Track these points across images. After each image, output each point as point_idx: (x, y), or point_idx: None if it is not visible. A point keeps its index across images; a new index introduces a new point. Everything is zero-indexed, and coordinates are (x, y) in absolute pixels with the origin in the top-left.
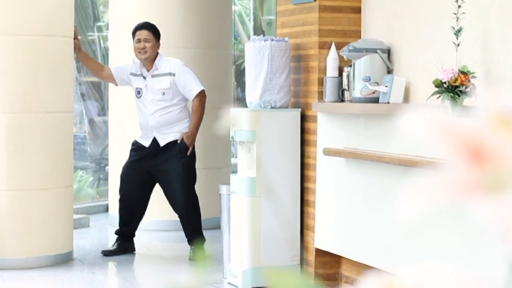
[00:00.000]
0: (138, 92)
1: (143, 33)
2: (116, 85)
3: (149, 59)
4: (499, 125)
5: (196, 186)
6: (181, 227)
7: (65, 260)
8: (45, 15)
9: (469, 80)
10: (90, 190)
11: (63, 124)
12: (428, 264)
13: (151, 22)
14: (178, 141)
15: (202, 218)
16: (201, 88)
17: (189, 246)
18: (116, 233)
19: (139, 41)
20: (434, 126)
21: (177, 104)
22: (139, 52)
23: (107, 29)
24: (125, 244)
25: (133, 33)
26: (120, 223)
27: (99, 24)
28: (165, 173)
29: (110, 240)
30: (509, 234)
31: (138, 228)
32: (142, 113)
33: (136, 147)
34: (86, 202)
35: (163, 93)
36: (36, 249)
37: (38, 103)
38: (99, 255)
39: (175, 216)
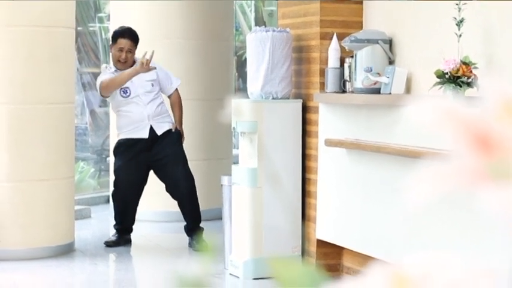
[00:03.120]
0: (125, 92)
1: (127, 43)
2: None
3: (127, 67)
4: (505, 113)
5: (197, 177)
6: (181, 217)
7: (66, 251)
8: (47, 6)
9: (470, 71)
10: (92, 181)
11: (65, 115)
12: (434, 253)
13: (133, 29)
14: (173, 130)
15: (203, 209)
16: (179, 82)
17: (188, 236)
18: (115, 228)
19: (121, 50)
20: (441, 114)
21: (160, 97)
22: (119, 61)
23: (108, 20)
24: (125, 236)
25: (115, 39)
26: (119, 221)
27: (100, 15)
28: (167, 158)
29: (111, 231)
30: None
31: (139, 219)
32: (135, 107)
33: (127, 145)
34: (87, 193)
35: (152, 85)
36: (37, 240)
37: (39, 94)
38: (100, 246)
39: (175, 207)
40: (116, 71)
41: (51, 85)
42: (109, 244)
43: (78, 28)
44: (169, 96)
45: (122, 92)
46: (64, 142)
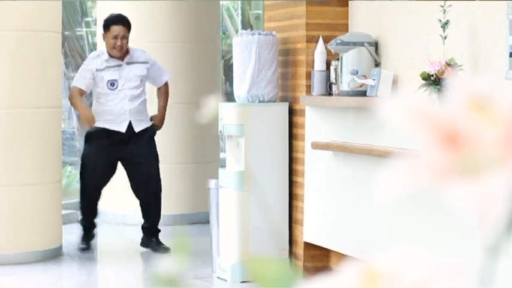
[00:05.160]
0: (112, 84)
1: (120, 30)
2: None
3: (123, 53)
4: (473, 109)
5: (184, 181)
6: (167, 221)
7: (54, 255)
8: (33, 10)
9: (456, 73)
10: (79, 185)
11: (52, 119)
12: (403, 248)
13: (124, 14)
14: (151, 123)
15: (191, 212)
16: (169, 74)
17: (147, 238)
18: (83, 224)
19: (115, 37)
20: (409, 111)
21: (144, 94)
22: (115, 48)
23: (95, 24)
24: (92, 233)
25: (108, 26)
26: (88, 216)
27: (87, 19)
28: (141, 157)
29: (99, 235)
30: (484, 218)
31: (125, 222)
32: (117, 99)
33: (102, 134)
34: (74, 197)
35: (141, 80)
36: (25, 245)
37: (26, 98)
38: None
39: (163, 211)
40: (108, 59)
41: (38, 89)
42: (84, 249)
43: (65, 32)
44: (158, 88)
45: (109, 85)
46: (51, 146)
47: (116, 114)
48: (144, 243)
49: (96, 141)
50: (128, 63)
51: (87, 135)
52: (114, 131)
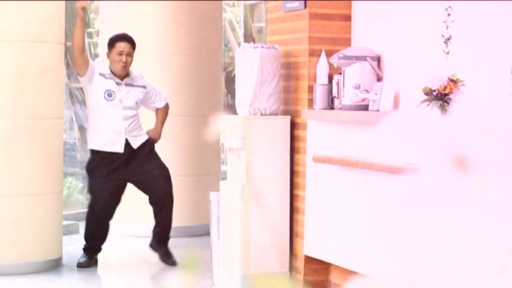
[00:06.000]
0: (110, 95)
1: (126, 47)
2: (81, 76)
3: (126, 71)
4: (480, 132)
5: (185, 193)
6: (172, 233)
7: (54, 266)
8: (36, 21)
9: (458, 88)
10: (80, 196)
11: (53, 130)
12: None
13: (129, 34)
14: (148, 136)
15: (192, 224)
16: (166, 101)
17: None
18: (85, 248)
19: (120, 53)
20: (418, 132)
21: (138, 114)
22: (119, 65)
23: (97, 35)
24: (95, 255)
25: (113, 43)
26: (90, 240)
27: (89, 30)
28: (148, 174)
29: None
30: (489, 236)
31: (128, 234)
32: (111, 117)
33: (102, 160)
34: (75, 208)
35: (136, 103)
36: (25, 255)
37: (28, 109)
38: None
39: None
40: (110, 73)
41: (40, 100)
42: (82, 265)
43: (67, 43)
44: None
45: (106, 95)
46: (53, 157)
47: (111, 132)
48: (153, 246)
49: (98, 171)
50: (126, 85)
51: (88, 165)
52: (112, 153)
